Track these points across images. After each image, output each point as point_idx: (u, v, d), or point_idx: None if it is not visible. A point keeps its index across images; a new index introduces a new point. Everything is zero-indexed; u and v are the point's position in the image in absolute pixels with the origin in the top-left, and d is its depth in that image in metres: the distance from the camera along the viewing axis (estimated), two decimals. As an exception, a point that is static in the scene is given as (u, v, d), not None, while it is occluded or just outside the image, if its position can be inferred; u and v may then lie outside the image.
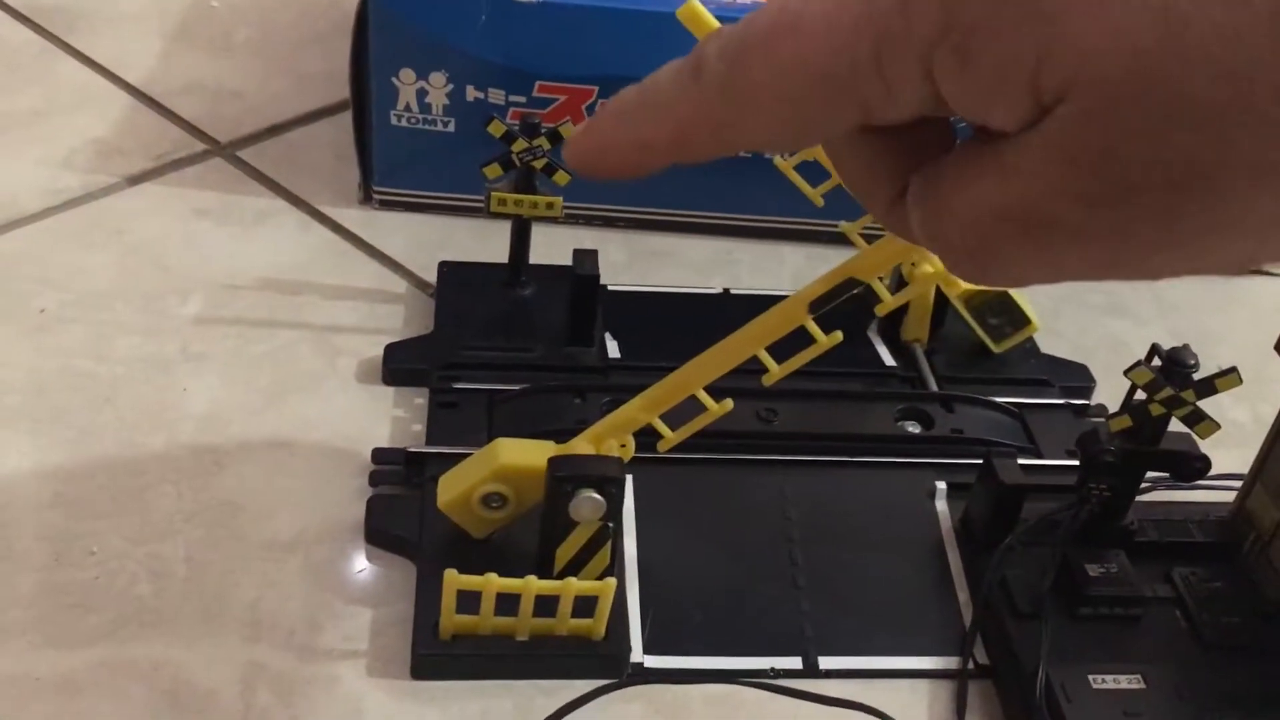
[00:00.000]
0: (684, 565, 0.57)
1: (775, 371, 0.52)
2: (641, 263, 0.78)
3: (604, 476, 0.51)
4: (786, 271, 0.80)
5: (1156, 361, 0.53)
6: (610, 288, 0.74)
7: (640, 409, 0.53)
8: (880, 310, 0.52)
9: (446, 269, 0.72)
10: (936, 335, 0.71)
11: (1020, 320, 0.70)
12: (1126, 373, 0.53)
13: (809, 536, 0.59)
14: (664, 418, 0.54)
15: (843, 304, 0.74)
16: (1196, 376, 0.53)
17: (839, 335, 0.52)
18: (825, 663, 0.54)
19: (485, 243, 0.76)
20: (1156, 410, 0.53)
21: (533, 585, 0.50)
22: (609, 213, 0.80)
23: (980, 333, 0.70)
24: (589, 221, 0.80)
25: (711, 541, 0.59)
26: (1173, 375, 0.53)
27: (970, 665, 0.55)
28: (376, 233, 0.77)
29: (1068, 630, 0.54)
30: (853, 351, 0.70)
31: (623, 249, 0.79)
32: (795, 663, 0.54)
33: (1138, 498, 0.62)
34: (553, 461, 0.51)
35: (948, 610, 0.57)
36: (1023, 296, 0.70)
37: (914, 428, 0.65)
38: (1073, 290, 0.80)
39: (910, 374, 0.69)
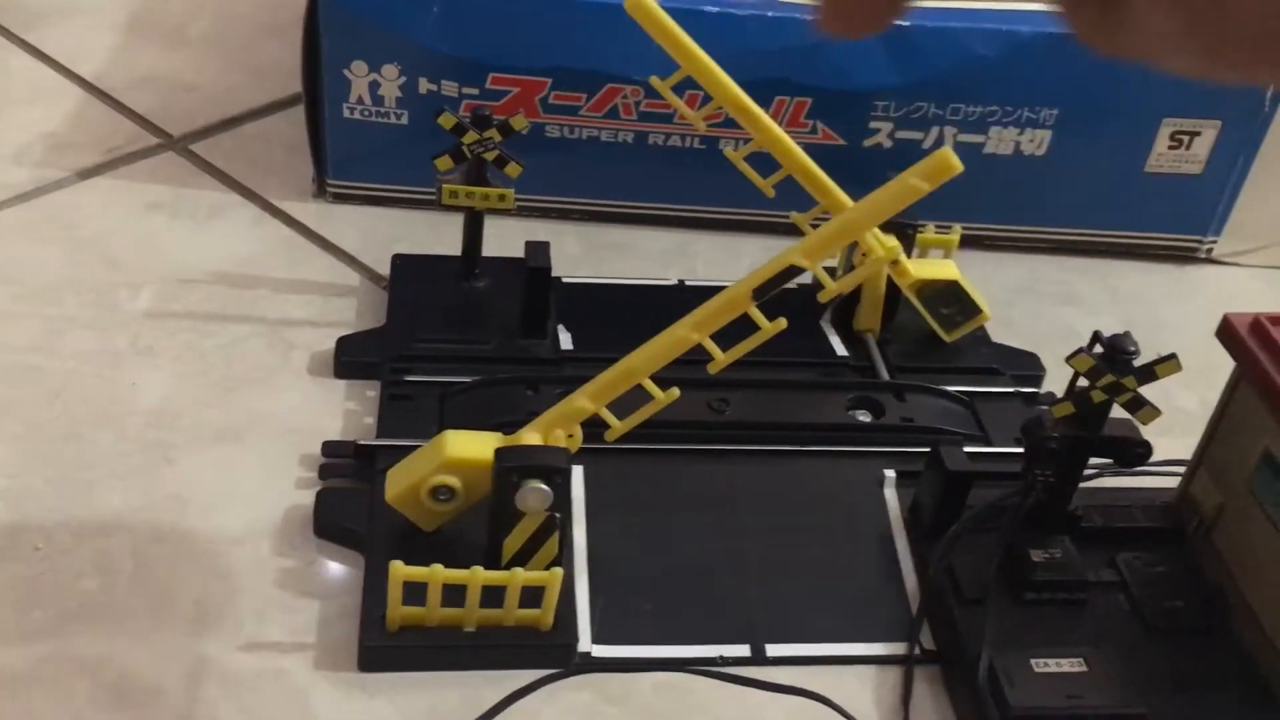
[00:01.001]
0: (634, 555, 0.58)
1: (720, 359, 0.53)
2: (597, 255, 0.79)
3: (550, 467, 0.51)
4: (743, 263, 0.80)
5: (1098, 349, 0.54)
6: (565, 280, 0.74)
7: (587, 399, 0.53)
8: (823, 297, 0.53)
9: (400, 261, 0.72)
10: (889, 325, 0.72)
11: (971, 309, 0.71)
12: (1068, 360, 0.53)
13: (759, 525, 0.60)
14: (612, 408, 0.54)
15: (795, 293, 0.75)
16: (1137, 363, 0.53)
17: (782, 322, 0.52)
18: (773, 650, 0.55)
19: (440, 235, 0.76)
20: (1098, 397, 0.54)
21: (479, 576, 0.50)
22: (565, 205, 0.80)
23: (932, 322, 0.71)
24: (545, 214, 0.80)
25: (661, 531, 0.59)
26: (1114, 362, 0.53)
27: (917, 651, 0.55)
28: (330, 226, 0.77)
29: (1013, 615, 0.55)
30: (805, 342, 0.71)
31: (579, 241, 0.79)
32: (744, 650, 0.54)
33: (1086, 484, 0.63)
34: (499, 453, 0.51)
35: (896, 597, 0.57)
36: (973, 286, 0.70)
37: (865, 417, 0.66)
38: (1027, 281, 0.81)
39: (862, 364, 0.69)
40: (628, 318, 0.72)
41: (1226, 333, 0.55)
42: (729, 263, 0.80)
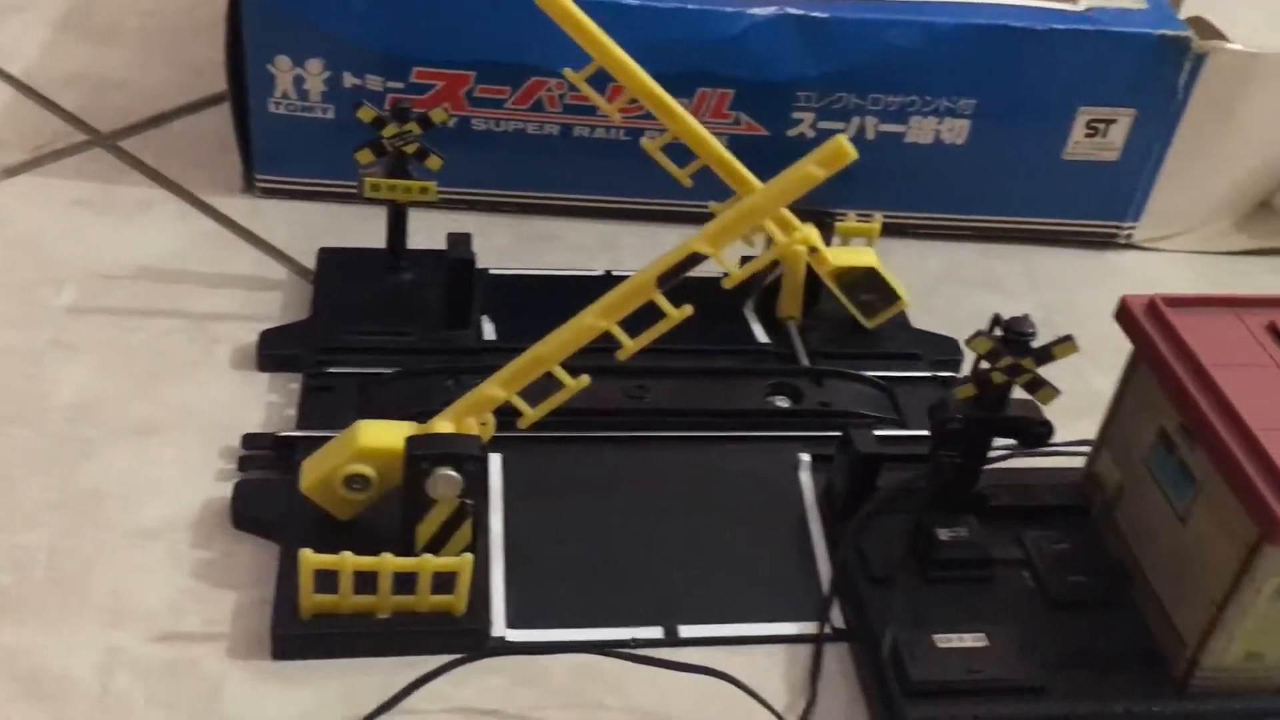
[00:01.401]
0: (550, 541, 0.58)
1: (629, 346, 0.54)
2: (526, 247, 0.79)
3: (461, 454, 0.52)
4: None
5: (998, 332, 0.55)
6: (492, 272, 0.75)
7: (497, 386, 0.54)
8: (726, 284, 0.53)
9: (326, 255, 0.73)
10: (811, 313, 0.73)
11: (890, 296, 0.72)
12: (967, 342, 0.55)
13: (674, 510, 0.61)
14: (527, 397, 0.55)
15: (719, 283, 0.76)
16: (1035, 345, 0.54)
17: (689, 309, 0.53)
18: (686, 631, 0.56)
19: (370, 229, 0.76)
20: (998, 378, 0.55)
21: (389, 563, 0.51)
22: (494, 198, 0.81)
23: (852, 309, 0.72)
24: (474, 206, 0.81)
25: (578, 518, 0.60)
26: (1012, 344, 0.54)
27: (827, 630, 0.56)
28: (259, 221, 0.78)
29: (920, 593, 0.56)
30: (727, 330, 0.72)
31: (507, 233, 0.80)
32: (657, 632, 0.55)
33: (998, 465, 0.64)
34: (410, 440, 0.52)
35: (808, 578, 0.58)
36: (891, 273, 0.72)
37: (783, 402, 0.67)
38: (949, 267, 0.82)
39: (783, 350, 0.71)
40: (553, 308, 0.72)
41: (1124, 315, 0.56)
42: (656, 253, 0.77)
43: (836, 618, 0.57)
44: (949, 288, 0.82)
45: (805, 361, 0.70)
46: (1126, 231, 0.85)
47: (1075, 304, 0.81)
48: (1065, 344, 0.54)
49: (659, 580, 0.58)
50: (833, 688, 0.55)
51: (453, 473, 0.52)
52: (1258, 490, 0.47)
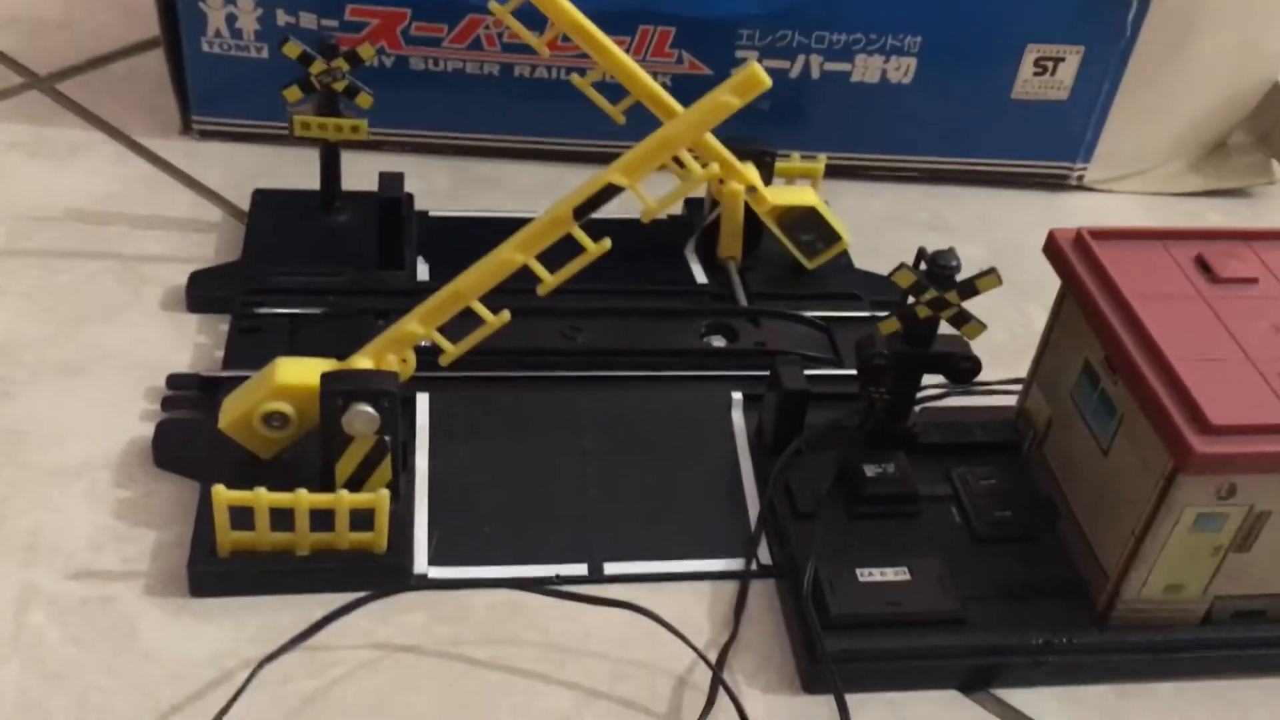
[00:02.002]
0: (476, 480, 0.58)
1: (549, 281, 0.53)
2: (467, 190, 0.78)
3: (376, 390, 0.51)
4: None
5: (923, 266, 0.55)
6: (431, 214, 0.74)
7: (416, 322, 0.53)
8: (645, 216, 0.53)
9: (260, 197, 0.72)
10: (753, 254, 0.72)
11: (830, 236, 0.71)
12: (890, 275, 0.54)
13: (604, 449, 0.60)
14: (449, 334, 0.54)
15: (660, 225, 0.75)
16: (959, 278, 0.54)
17: (607, 243, 0.52)
18: (611, 568, 0.55)
19: (309, 171, 0.75)
20: (923, 312, 0.55)
21: (304, 499, 0.51)
22: (435, 140, 0.80)
23: (793, 249, 0.71)
24: (414, 149, 0.79)
25: (506, 457, 0.59)
26: (936, 277, 0.54)
27: (753, 567, 0.56)
28: (196, 163, 0.76)
29: (845, 529, 0.56)
30: (666, 271, 0.72)
31: (449, 176, 0.79)
32: (581, 570, 0.55)
33: (932, 404, 0.64)
34: (324, 377, 0.52)
35: (737, 515, 0.58)
36: (832, 213, 0.71)
37: (719, 342, 0.67)
38: (897, 209, 0.81)
39: (722, 291, 0.70)
40: (489, 250, 0.73)
41: (1051, 248, 0.56)
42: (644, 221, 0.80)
43: (765, 555, 0.57)
44: (896, 230, 0.81)
45: (743, 302, 0.69)
46: (1078, 173, 0.84)
47: (1025, 246, 0.80)
48: (988, 277, 0.54)
49: (585, 519, 0.57)
50: (757, 623, 0.54)
51: (369, 409, 0.51)
52: (1172, 420, 0.47)
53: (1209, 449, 0.46)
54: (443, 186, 0.78)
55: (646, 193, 0.53)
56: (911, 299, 0.54)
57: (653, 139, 0.51)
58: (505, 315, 0.54)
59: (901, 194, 0.83)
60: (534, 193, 0.79)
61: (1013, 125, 0.81)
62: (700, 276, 0.71)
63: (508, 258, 0.52)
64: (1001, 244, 0.80)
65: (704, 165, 0.62)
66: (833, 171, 0.82)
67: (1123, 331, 0.51)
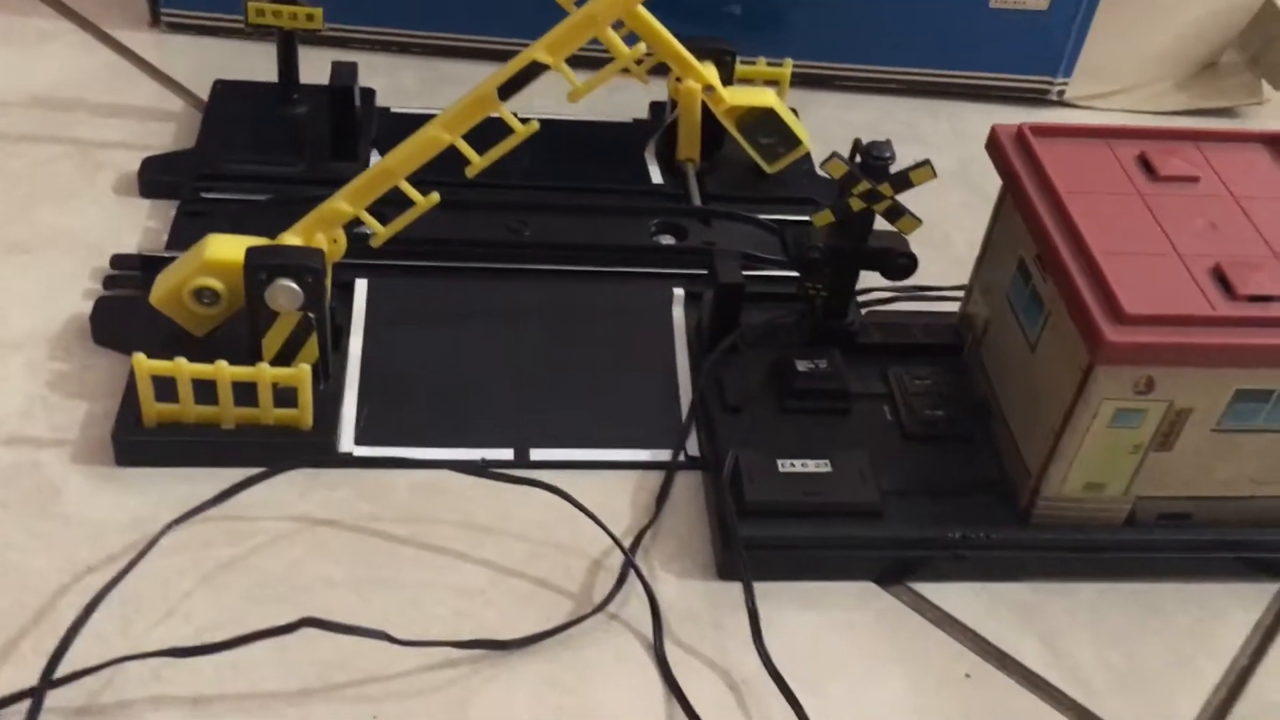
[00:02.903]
0: (410, 364, 0.58)
1: (477, 162, 0.53)
2: (434, 89, 0.78)
3: (299, 266, 0.52)
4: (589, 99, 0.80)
5: (858, 159, 0.54)
6: (393, 110, 0.73)
7: (344, 201, 0.53)
8: (571, 98, 0.52)
9: (221, 87, 0.72)
10: (714, 157, 0.72)
11: (790, 140, 0.70)
12: (822, 165, 0.53)
13: (542, 340, 0.60)
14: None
15: (622, 127, 0.74)
16: (893, 170, 0.53)
17: (535, 125, 0.52)
18: (537, 454, 0.55)
19: (275, 66, 0.75)
20: (856, 205, 0.54)
21: (225, 371, 0.51)
22: (404, 38, 0.79)
23: (752, 152, 0.70)
24: (384, 47, 0.79)
25: (441, 344, 0.59)
26: (869, 169, 0.53)
27: (682, 457, 0.56)
28: (162, 55, 0.77)
29: (774, 423, 0.56)
30: (623, 171, 0.71)
31: (416, 75, 0.78)
32: (507, 454, 0.55)
33: (882, 308, 0.63)
34: (249, 252, 0.52)
35: (669, 409, 0.58)
36: (792, 116, 0.70)
37: (668, 241, 0.66)
38: (873, 121, 0.80)
39: (678, 192, 0.69)
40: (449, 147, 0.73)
41: (993, 144, 0.55)
42: (563, 96, 0.79)
43: (695, 449, 0.57)
44: (868, 140, 0.79)
45: (697, 202, 0.69)
46: (1058, 88, 0.83)
47: None
48: (922, 169, 0.53)
49: (516, 406, 0.57)
50: (681, 513, 0.55)
51: (292, 284, 0.51)
52: (1089, 311, 0.46)
53: (1121, 338, 0.45)
54: (409, 85, 0.78)
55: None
56: (845, 191, 0.54)
57: (578, 15, 0.50)
58: (434, 197, 0.54)
59: (879, 106, 0.82)
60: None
61: (991, 36, 0.79)
62: (657, 177, 0.70)
63: (434, 135, 0.51)
64: (972, 157, 0.78)
65: (648, 55, 0.62)
66: (810, 81, 0.81)
67: (1052, 226, 0.50)
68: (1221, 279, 0.47)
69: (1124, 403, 0.48)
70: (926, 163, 0.53)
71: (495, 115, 0.53)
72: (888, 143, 0.53)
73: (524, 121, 0.51)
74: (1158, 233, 0.50)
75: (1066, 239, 0.49)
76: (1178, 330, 0.45)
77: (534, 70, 0.50)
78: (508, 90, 0.50)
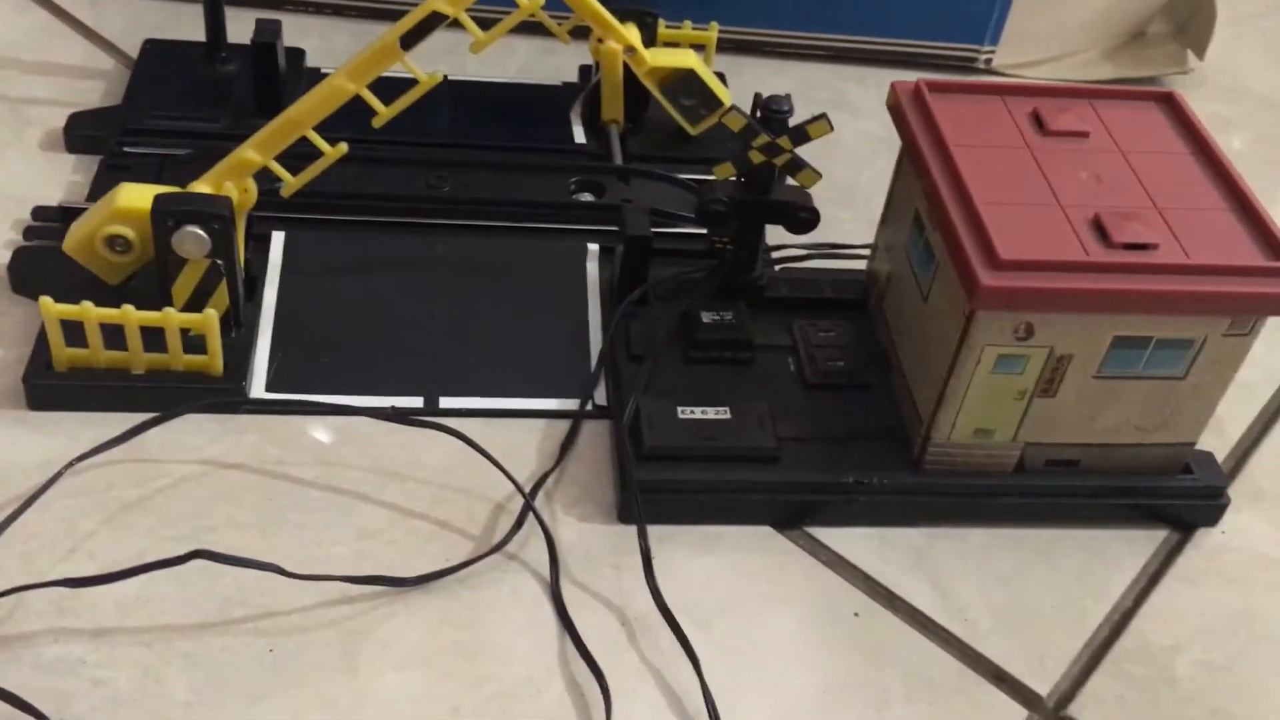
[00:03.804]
0: (323, 314, 0.59)
1: (384, 113, 0.54)
2: (366, 50, 0.79)
3: (206, 213, 0.52)
4: (515, 63, 0.81)
5: (758, 114, 0.55)
6: (324, 71, 0.74)
7: (252, 150, 0.54)
8: (473, 49, 0.53)
9: (150, 46, 0.72)
10: (639, 119, 0.73)
11: (713, 102, 0.71)
12: (721, 117, 0.55)
13: (455, 292, 0.61)
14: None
15: (548, 89, 0.75)
16: (792, 123, 0.54)
17: (439, 75, 0.53)
18: (446, 403, 0.57)
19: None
20: (756, 158, 0.55)
21: (132, 315, 0.52)
22: (338, 1, 0.80)
23: (675, 114, 0.71)
24: (318, 10, 0.80)
25: (355, 295, 0.60)
26: (769, 122, 0.54)
27: (590, 407, 0.57)
28: (98, 15, 0.77)
29: (678, 372, 0.57)
30: (546, 130, 0.72)
31: (349, 37, 0.79)
32: (417, 402, 0.57)
33: (794, 265, 0.65)
34: (157, 199, 0.53)
35: (579, 360, 0.59)
36: (714, 78, 0.71)
37: (586, 198, 0.67)
38: (800, 87, 0.81)
39: (601, 152, 0.71)
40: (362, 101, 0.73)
41: (892, 101, 0.56)
42: (503, 61, 0.80)
43: (603, 399, 0.58)
44: (798, 106, 0.80)
45: (619, 162, 0.70)
46: (985, 56, 0.84)
47: None
48: (819, 122, 0.54)
49: (427, 356, 0.58)
50: (584, 459, 0.56)
51: (199, 230, 0.52)
52: (968, 258, 0.47)
53: (995, 282, 0.46)
54: (341, 47, 0.78)
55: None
56: (744, 143, 0.55)
57: (476, -32, 0.51)
58: (343, 147, 0.54)
59: (806, 72, 0.83)
60: (435, 58, 0.77)
61: (920, 3, 0.81)
62: (580, 138, 0.71)
63: (339, 85, 0.52)
64: (900, 123, 0.80)
65: (579, 25, 0.63)
66: (739, 47, 0.82)
67: (940, 179, 0.51)
68: (1099, 228, 0.49)
69: (1005, 349, 0.49)
70: (823, 116, 0.54)
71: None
72: (787, 96, 0.54)
73: (434, 77, 0.52)
74: (1042, 184, 0.51)
75: (952, 190, 0.50)
76: (1051, 275, 0.47)
77: (434, 20, 0.51)
78: (410, 40, 0.51)
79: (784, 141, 0.54)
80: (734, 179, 0.56)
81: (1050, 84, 0.56)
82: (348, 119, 0.55)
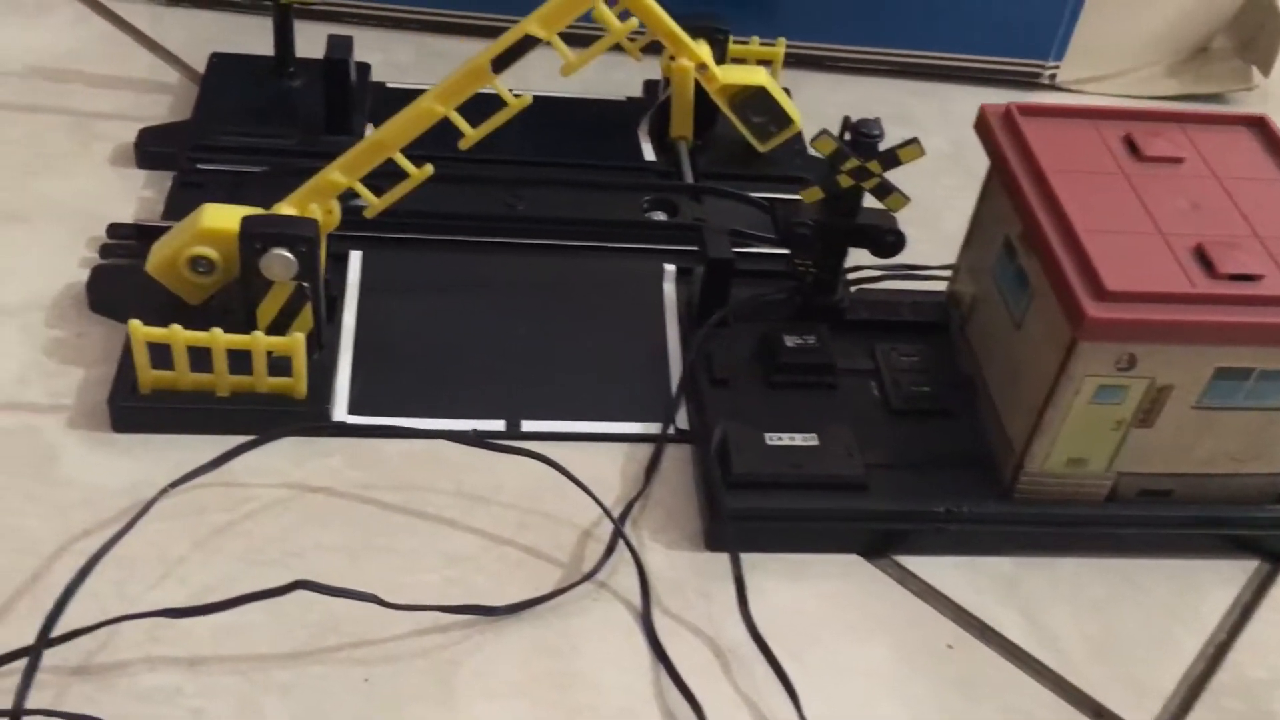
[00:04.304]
0: (403, 335, 0.59)
1: (470, 135, 0.53)
2: (428, 64, 0.78)
3: (295, 235, 0.52)
4: (577, 77, 0.80)
5: (847, 136, 0.54)
6: (389, 85, 0.74)
7: (338, 172, 0.54)
8: (564, 72, 0.53)
9: (217, 60, 0.72)
10: (707, 136, 0.72)
11: (783, 119, 0.71)
12: (812, 142, 0.54)
13: (534, 313, 0.61)
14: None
15: (615, 105, 0.75)
16: (882, 148, 0.54)
17: (528, 99, 0.53)
18: (528, 425, 0.56)
19: (271, 40, 0.75)
20: (845, 182, 0.54)
21: (220, 338, 0.52)
22: (398, 13, 0.79)
23: (744, 131, 0.71)
24: (380, 22, 0.80)
25: (434, 315, 0.60)
26: (859, 146, 0.54)
27: (671, 431, 0.57)
28: (160, 27, 0.77)
29: (762, 396, 0.56)
30: (615, 147, 0.72)
31: (411, 50, 0.79)
32: (499, 425, 0.56)
33: (872, 286, 0.64)
34: (244, 221, 0.52)
35: (659, 383, 0.59)
36: (784, 96, 0.70)
37: (659, 217, 0.67)
38: (862, 101, 0.81)
39: (670, 169, 0.70)
40: (441, 121, 0.73)
41: (980, 124, 0.56)
42: (557, 74, 0.80)
43: (684, 422, 0.58)
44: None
45: (689, 180, 0.69)
46: (1050, 71, 0.83)
47: None
48: (910, 147, 0.53)
49: (508, 377, 0.58)
50: (669, 485, 0.55)
51: (286, 253, 0.52)
52: (1072, 288, 0.47)
53: (1103, 314, 0.46)
54: (404, 60, 0.78)
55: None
56: (834, 168, 0.54)
57: (573, -8, 0.50)
58: (428, 169, 0.54)
59: (867, 87, 0.83)
60: (496, 70, 0.79)
61: (984, 18, 0.80)
62: (649, 154, 0.71)
63: (427, 108, 0.52)
64: (964, 139, 0.78)
65: (640, 32, 0.62)
66: (800, 62, 0.81)
67: (1037, 205, 0.50)
68: (1203, 258, 0.48)
69: (1106, 379, 0.49)
70: (915, 140, 0.53)
71: (489, 89, 0.53)
72: (876, 120, 0.54)
73: (517, 96, 0.51)
74: (1141, 212, 0.50)
75: (1051, 217, 0.50)
76: (1158, 307, 0.46)
77: (527, 44, 0.51)
78: (501, 63, 0.51)
79: (874, 165, 0.54)
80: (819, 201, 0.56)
81: (1140, 107, 0.55)
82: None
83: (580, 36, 0.57)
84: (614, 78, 0.79)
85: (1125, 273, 0.47)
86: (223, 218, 0.54)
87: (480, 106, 0.54)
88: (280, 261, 0.52)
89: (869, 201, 0.57)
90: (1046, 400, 0.50)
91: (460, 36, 0.80)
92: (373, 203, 0.55)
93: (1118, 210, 0.50)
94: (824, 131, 0.54)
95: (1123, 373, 0.48)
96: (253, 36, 0.76)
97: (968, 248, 0.59)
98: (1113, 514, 0.53)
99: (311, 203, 0.54)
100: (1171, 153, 0.53)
